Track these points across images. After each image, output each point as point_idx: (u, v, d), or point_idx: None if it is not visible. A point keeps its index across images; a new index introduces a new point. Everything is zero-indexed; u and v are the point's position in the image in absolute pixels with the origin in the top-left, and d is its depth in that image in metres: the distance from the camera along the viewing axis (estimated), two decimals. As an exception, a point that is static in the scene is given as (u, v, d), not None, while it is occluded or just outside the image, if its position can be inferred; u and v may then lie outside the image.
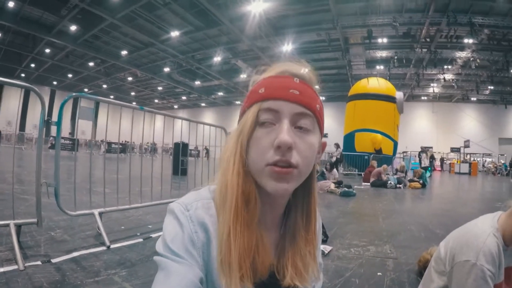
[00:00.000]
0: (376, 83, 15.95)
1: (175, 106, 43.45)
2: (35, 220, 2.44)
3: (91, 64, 25.95)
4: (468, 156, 26.33)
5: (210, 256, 0.56)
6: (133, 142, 17.33)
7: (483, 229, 1.21)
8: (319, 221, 0.78)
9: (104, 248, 2.55)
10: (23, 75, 28.40)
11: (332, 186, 7.62)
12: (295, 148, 0.55)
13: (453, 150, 27.31)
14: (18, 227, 2.39)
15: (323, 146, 0.66)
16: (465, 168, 21.06)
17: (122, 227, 3.26)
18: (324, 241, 3.13)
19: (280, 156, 0.54)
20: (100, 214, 2.91)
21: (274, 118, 0.56)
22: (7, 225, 2.30)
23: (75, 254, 2.36)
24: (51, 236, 2.78)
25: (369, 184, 9.66)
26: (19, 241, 2.31)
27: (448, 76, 22.41)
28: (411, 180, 9.93)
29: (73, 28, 18.48)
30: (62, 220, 3.25)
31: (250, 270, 0.55)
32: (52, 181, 2.52)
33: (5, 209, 3.15)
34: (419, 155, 17.31)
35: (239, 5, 14.87)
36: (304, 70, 0.63)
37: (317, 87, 0.65)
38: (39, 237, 2.69)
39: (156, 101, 40.95)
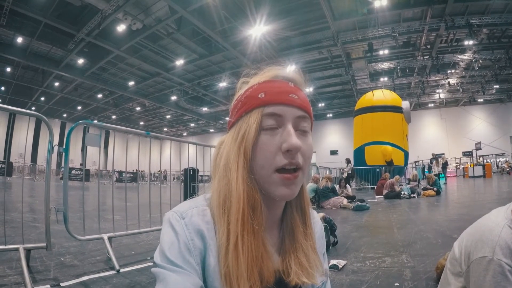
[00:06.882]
0: (381, 95, 15.94)
1: (184, 134, 43.71)
2: (44, 244, 2.45)
3: (99, 95, 26.47)
4: (481, 158, 25.61)
5: (207, 264, 0.54)
6: (143, 171, 17.35)
7: (497, 221, 1.13)
8: (320, 224, 0.76)
9: (113, 272, 2.53)
10: (33, 108, 28.73)
11: (345, 201, 7.54)
12: (301, 150, 0.56)
13: (465, 154, 26.60)
14: (28, 251, 2.42)
15: None
16: (479, 171, 20.39)
17: (133, 252, 3.24)
18: (335, 244, 3.40)
19: (290, 159, 0.55)
20: (110, 238, 2.90)
21: (277, 122, 0.57)
22: (17, 249, 2.32)
23: (84, 278, 2.35)
24: (61, 261, 2.77)
25: (382, 196, 9.47)
26: (28, 266, 2.33)
27: (453, 80, 22.17)
28: (424, 189, 9.70)
29: (80, 61, 19.00)
30: (72, 246, 3.25)
31: (258, 280, 0.54)
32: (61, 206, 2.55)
33: (16, 235, 3.19)
34: (430, 162, 17.03)
35: (240, 30, 15.18)
36: (294, 73, 0.64)
37: (307, 90, 0.66)
38: (49, 262, 2.69)
39: (165, 129, 41.34)
